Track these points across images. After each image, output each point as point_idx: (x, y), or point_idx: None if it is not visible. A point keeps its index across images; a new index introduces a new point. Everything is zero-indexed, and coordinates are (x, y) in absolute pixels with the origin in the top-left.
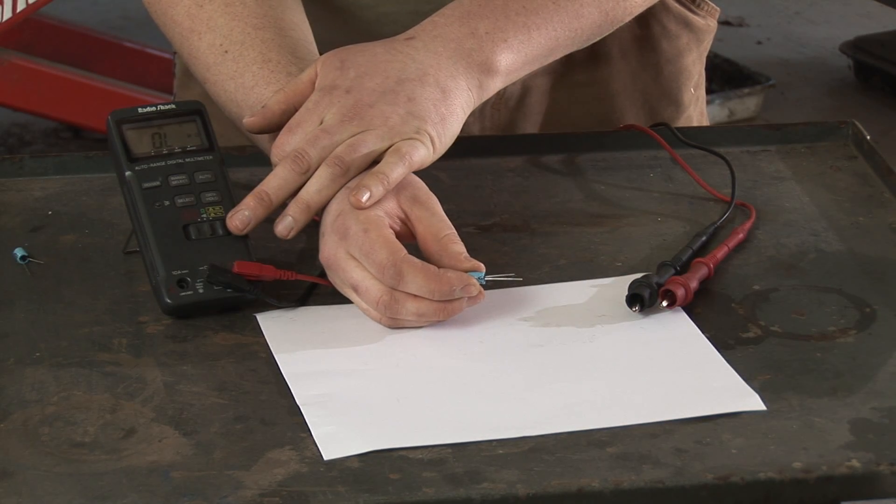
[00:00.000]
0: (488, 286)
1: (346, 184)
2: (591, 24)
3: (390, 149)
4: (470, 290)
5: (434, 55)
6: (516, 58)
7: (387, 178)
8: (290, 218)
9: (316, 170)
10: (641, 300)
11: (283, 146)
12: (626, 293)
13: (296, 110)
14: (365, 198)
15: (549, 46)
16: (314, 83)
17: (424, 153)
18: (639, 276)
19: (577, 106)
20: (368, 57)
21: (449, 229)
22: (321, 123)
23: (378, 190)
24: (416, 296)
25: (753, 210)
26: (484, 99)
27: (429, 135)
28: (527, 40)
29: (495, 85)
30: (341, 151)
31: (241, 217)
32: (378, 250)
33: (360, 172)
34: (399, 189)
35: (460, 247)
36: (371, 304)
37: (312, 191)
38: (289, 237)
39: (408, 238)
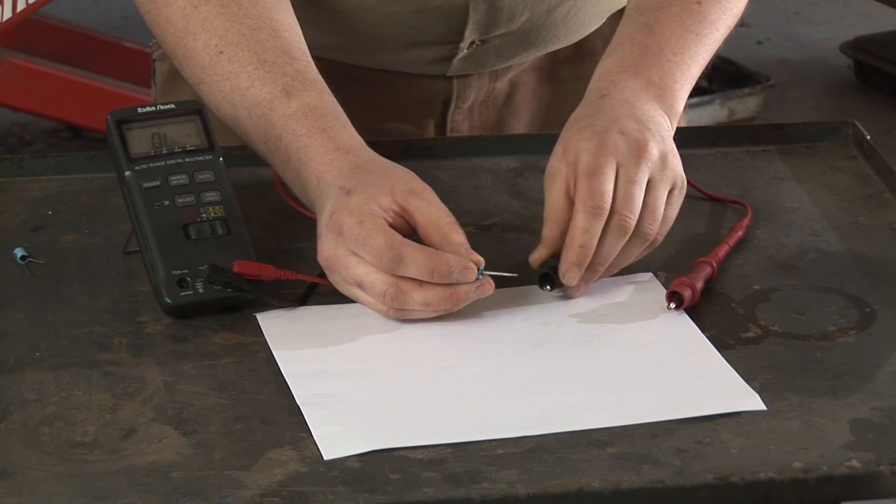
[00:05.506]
0: None
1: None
2: (721, 38)
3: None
4: (467, 274)
5: (636, 103)
6: (685, 94)
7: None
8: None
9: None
10: (551, 280)
11: (594, 194)
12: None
13: (565, 230)
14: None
15: (697, 71)
16: (566, 194)
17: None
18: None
19: (565, 102)
20: (597, 115)
21: (449, 217)
22: (617, 167)
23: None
24: (421, 284)
25: (749, 207)
26: None
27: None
28: (689, 77)
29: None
30: (651, 222)
31: (574, 274)
32: (375, 237)
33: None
34: (392, 183)
35: (461, 237)
36: (377, 298)
37: (611, 250)
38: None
39: (405, 231)
